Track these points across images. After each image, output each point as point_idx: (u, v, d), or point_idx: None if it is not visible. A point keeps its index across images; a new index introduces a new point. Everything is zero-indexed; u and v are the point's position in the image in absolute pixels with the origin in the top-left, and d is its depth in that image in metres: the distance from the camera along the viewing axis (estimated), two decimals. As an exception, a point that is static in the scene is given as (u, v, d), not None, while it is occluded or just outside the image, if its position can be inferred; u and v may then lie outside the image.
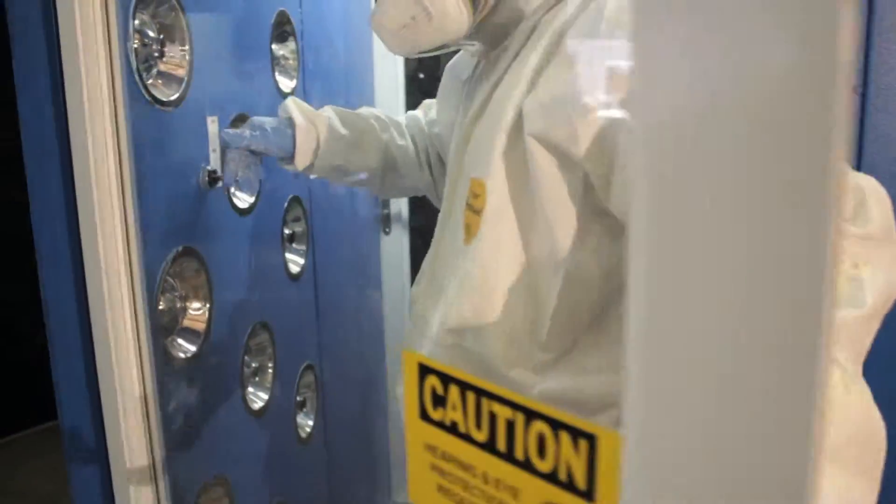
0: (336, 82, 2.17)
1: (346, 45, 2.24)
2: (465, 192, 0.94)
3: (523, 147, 0.86)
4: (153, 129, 1.26)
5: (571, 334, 0.90)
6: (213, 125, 1.44)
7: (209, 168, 1.41)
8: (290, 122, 1.27)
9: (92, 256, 1.17)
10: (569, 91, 0.81)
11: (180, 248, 1.34)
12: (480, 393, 0.45)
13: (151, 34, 1.27)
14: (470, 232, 0.92)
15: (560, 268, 0.86)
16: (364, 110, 1.38)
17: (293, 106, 1.29)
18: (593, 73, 0.80)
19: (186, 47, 1.34)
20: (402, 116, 1.43)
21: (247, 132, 1.27)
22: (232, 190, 1.59)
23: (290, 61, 1.88)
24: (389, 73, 2.56)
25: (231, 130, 1.29)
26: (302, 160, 1.27)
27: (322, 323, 2.07)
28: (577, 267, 0.86)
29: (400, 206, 2.66)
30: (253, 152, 1.31)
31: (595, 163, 0.81)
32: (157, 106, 1.25)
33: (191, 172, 1.37)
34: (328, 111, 1.32)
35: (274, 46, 1.80)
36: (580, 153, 0.80)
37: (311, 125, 1.26)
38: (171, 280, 1.35)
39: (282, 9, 1.78)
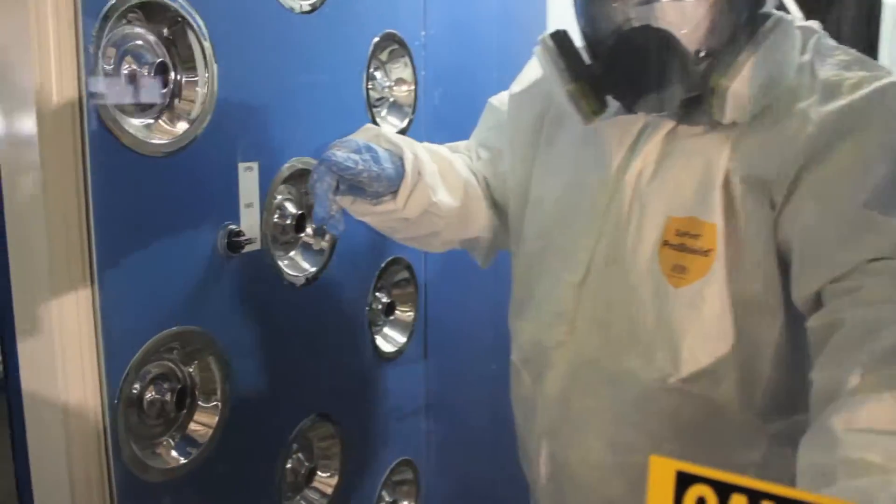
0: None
1: (498, 78, 1.89)
2: (656, 231, 0.94)
3: (729, 188, 0.90)
4: (128, 178, 0.98)
5: (794, 372, 0.92)
6: (250, 173, 1.15)
7: (235, 228, 1.11)
8: (394, 151, 1.04)
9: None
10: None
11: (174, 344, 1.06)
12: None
13: (147, 55, 1.00)
14: (687, 273, 0.92)
15: (777, 309, 0.91)
16: (435, 146, 1.16)
17: (384, 131, 1.07)
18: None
19: (203, 75, 1.06)
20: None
21: (355, 156, 0.97)
22: (308, 231, 1.30)
23: (404, 94, 1.56)
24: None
25: (339, 152, 0.97)
26: (404, 196, 1.02)
27: (434, 406, 1.71)
28: (791, 308, 0.88)
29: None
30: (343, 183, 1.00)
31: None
32: (136, 151, 0.97)
33: (202, 237, 1.08)
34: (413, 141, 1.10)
35: (377, 75, 1.48)
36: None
37: (413, 154, 1.04)
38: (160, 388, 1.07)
39: (390, 30, 1.46)
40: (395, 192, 1.01)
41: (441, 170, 1.09)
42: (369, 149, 0.99)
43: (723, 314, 0.90)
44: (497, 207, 1.20)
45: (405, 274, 1.61)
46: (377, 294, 1.55)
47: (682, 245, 0.91)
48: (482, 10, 1.78)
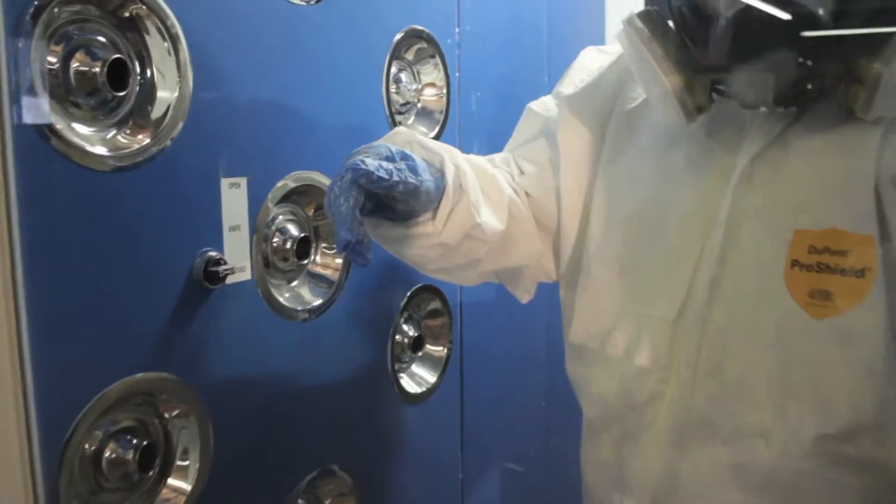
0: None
1: (549, 83, 1.68)
2: (781, 249, 0.77)
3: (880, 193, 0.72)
4: (71, 197, 0.81)
5: None
6: (236, 190, 0.97)
7: (215, 255, 0.94)
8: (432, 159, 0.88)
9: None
10: None
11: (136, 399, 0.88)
12: None
13: (101, 51, 0.83)
14: (833, 300, 0.73)
15: None
16: (472, 157, 0.98)
17: (416, 134, 0.90)
18: None
19: (172, 74, 0.89)
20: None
21: (387, 164, 0.79)
22: (315, 259, 1.13)
23: (434, 99, 1.37)
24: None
25: (369, 160, 0.78)
26: (444, 215, 0.85)
27: (473, 454, 1.50)
28: None
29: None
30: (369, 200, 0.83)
31: None
32: (83, 165, 0.81)
33: (172, 267, 0.91)
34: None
35: (403, 77, 1.30)
36: None
37: (454, 164, 0.87)
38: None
39: (414, 25, 1.28)
40: (432, 211, 0.84)
41: (484, 185, 0.92)
42: (405, 156, 0.82)
43: (887, 349, 0.72)
44: (544, 231, 1.03)
45: (436, 303, 1.41)
46: (403, 327, 1.36)
47: (821, 264, 0.75)
48: (528, 4, 1.58)
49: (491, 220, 0.90)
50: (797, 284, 0.76)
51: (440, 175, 0.85)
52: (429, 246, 0.87)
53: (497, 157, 1.08)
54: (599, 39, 1.87)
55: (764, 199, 0.80)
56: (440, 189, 0.84)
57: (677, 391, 0.85)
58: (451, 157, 0.87)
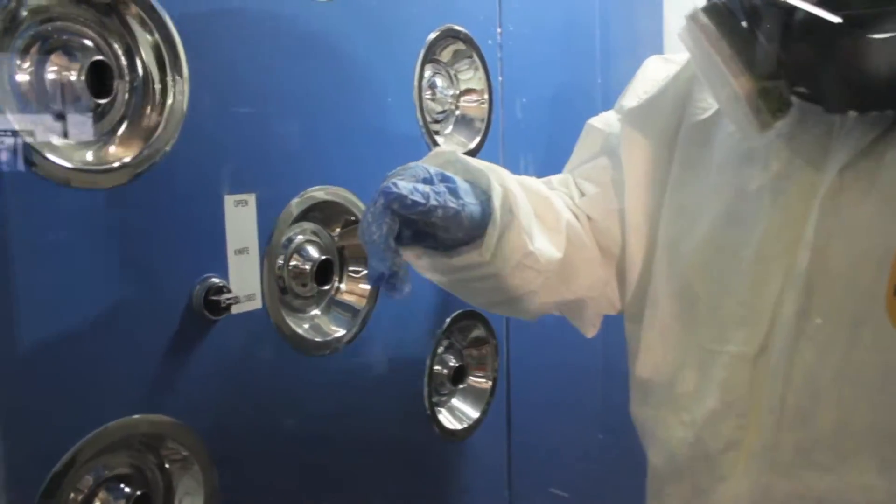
0: (569, 152, 1.47)
1: (603, 86, 1.54)
2: (880, 274, 0.64)
3: None
4: (48, 218, 0.71)
5: None
6: (242, 208, 0.86)
7: (218, 282, 0.83)
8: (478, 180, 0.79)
9: None
10: None
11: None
12: None
13: (81, 53, 0.73)
14: None
15: None
16: (525, 178, 0.89)
17: (459, 154, 0.82)
18: None
19: (165, 79, 0.78)
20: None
21: (424, 187, 0.72)
22: (341, 286, 1.02)
23: (474, 106, 1.25)
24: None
25: (402, 182, 0.71)
26: (491, 242, 0.76)
27: (521, 497, 1.36)
28: None
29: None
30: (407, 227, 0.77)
31: None
32: (62, 183, 0.71)
33: (166, 296, 0.80)
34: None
35: (438, 81, 1.18)
36: None
37: (503, 186, 0.78)
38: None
39: (451, 24, 1.16)
40: (479, 239, 0.76)
41: (538, 209, 0.83)
42: (444, 178, 0.75)
43: None
44: (607, 258, 0.93)
45: (479, 330, 1.28)
46: (443, 357, 1.23)
47: None
48: (577, 1, 1.45)
49: (546, 247, 0.81)
50: None
51: (486, 198, 0.76)
52: (477, 277, 0.80)
53: (555, 178, 0.99)
54: (657, 38, 1.73)
55: (857, 217, 0.68)
56: (486, 214, 0.75)
57: (758, 440, 0.73)
58: (499, 178, 0.78)
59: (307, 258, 0.98)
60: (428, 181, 0.73)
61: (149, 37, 0.77)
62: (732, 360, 0.75)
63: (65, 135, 0.73)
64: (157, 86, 0.78)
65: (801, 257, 0.70)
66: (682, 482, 0.81)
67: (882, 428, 0.66)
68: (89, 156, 0.74)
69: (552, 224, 0.85)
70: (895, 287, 0.64)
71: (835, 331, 0.68)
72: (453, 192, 0.73)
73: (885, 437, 0.66)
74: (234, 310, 0.85)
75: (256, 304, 0.89)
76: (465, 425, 1.24)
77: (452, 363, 1.24)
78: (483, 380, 1.29)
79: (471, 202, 0.74)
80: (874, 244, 0.67)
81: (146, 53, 0.77)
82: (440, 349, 1.22)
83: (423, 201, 0.70)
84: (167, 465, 0.84)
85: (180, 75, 0.79)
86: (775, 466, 0.72)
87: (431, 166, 0.76)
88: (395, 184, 0.69)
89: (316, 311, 1.00)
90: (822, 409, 0.69)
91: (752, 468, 0.74)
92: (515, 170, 1.31)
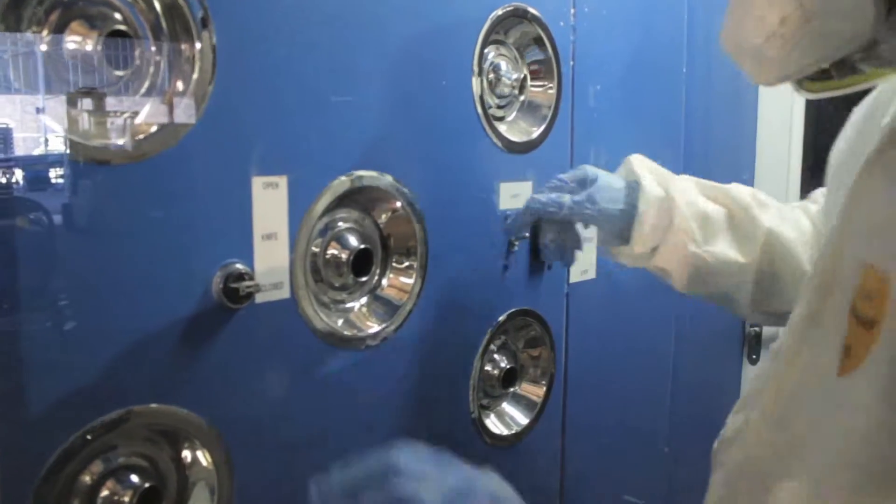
0: (647, 146, 1.36)
1: (689, 74, 1.43)
2: (849, 290, 0.57)
3: None
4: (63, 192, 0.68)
5: None
6: (273, 191, 0.81)
7: (241, 268, 0.78)
8: (634, 187, 0.96)
9: None
10: None
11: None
12: None
13: (101, 21, 0.69)
14: (850, 356, 0.55)
15: None
16: (733, 186, 0.99)
17: (640, 164, 0.98)
18: None
19: (192, 46, 0.74)
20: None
21: (563, 197, 0.96)
22: (384, 282, 0.98)
23: (540, 92, 1.16)
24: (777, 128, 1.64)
25: (543, 196, 0.99)
26: (641, 244, 0.94)
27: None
28: None
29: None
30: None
31: None
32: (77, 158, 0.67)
33: (183, 282, 0.76)
34: (687, 179, 0.99)
35: (502, 64, 1.10)
36: None
37: (665, 196, 0.94)
38: None
39: (517, 3, 1.08)
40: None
41: (730, 214, 0.94)
42: (585, 183, 0.96)
43: (873, 429, 0.52)
44: None
45: (535, 330, 1.20)
46: (495, 357, 1.16)
47: (854, 310, 0.57)
48: (663, -18, 1.34)
49: (723, 250, 0.91)
50: (847, 334, 0.57)
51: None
52: (652, 268, 0.97)
53: (800, 203, 1.02)
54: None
55: (852, 222, 0.61)
56: (631, 216, 0.92)
57: (748, 434, 0.69)
58: (664, 181, 0.94)
59: (346, 246, 0.92)
60: (569, 190, 0.96)
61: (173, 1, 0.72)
62: (766, 357, 0.71)
63: (79, 109, 0.69)
64: (182, 56, 0.73)
65: (819, 266, 0.64)
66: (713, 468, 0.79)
67: (815, 444, 0.59)
68: (105, 131, 0.70)
69: (745, 231, 0.93)
70: (855, 309, 0.55)
71: (811, 342, 0.61)
72: (591, 199, 0.93)
73: (812, 451, 0.59)
74: (259, 299, 0.81)
75: (284, 293, 0.84)
76: (514, 431, 1.17)
77: (504, 364, 1.16)
78: (537, 384, 1.21)
79: (611, 207, 0.93)
80: (854, 253, 0.58)
81: (170, 21, 0.72)
82: (493, 347, 1.14)
83: (557, 210, 0.95)
84: (184, 460, 0.81)
85: (207, 46, 0.74)
86: (751, 462, 0.67)
87: (582, 172, 0.98)
88: (535, 198, 0.98)
89: (352, 304, 0.95)
90: (791, 414, 0.63)
91: (736, 462, 0.69)
92: (585, 162, 1.22)
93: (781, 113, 1.64)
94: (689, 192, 0.95)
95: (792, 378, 0.65)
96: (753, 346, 1.73)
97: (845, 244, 0.62)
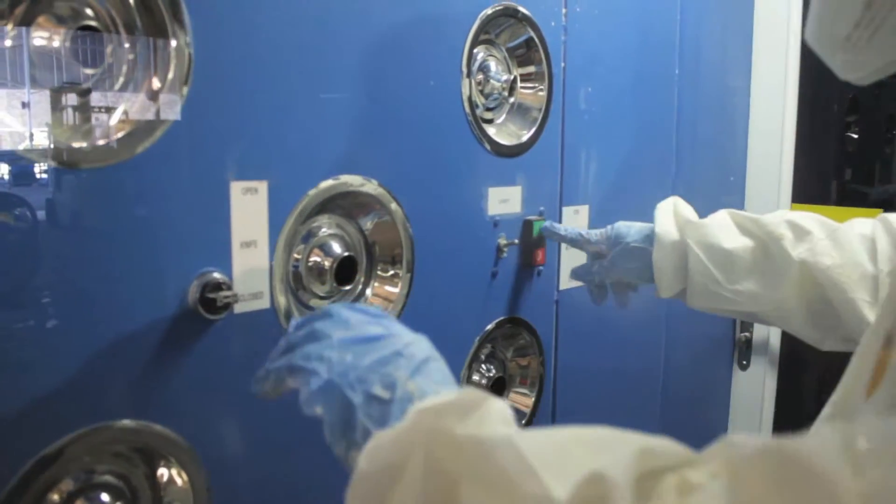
0: (639, 149, 1.33)
1: (681, 78, 1.40)
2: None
3: None
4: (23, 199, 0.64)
5: None
6: (252, 196, 0.78)
7: (218, 277, 0.74)
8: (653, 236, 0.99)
9: None
10: None
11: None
12: None
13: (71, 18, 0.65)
14: (875, 377, 0.52)
15: None
16: (770, 217, 0.95)
17: (664, 212, 0.99)
18: None
19: (170, 43, 0.70)
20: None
21: (595, 266, 1.04)
22: (367, 293, 0.92)
23: (531, 93, 1.13)
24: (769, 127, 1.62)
25: (577, 268, 1.09)
26: (668, 289, 0.98)
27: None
28: None
29: (768, 330, 1.69)
30: None
31: None
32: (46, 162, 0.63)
33: (162, 292, 0.72)
34: (720, 217, 0.97)
35: (491, 65, 1.06)
36: None
37: (678, 241, 0.96)
38: None
39: (508, 2, 1.04)
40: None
41: (762, 247, 0.92)
42: (614, 242, 1.01)
43: None
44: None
45: (524, 338, 1.17)
46: (483, 366, 1.13)
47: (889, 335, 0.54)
48: (656, -18, 1.31)
49: (747, 289, 0.91)
50: (878, 357, 0.54)
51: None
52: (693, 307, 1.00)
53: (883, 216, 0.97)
54: (747, 23, 1.57)
55: None
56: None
57: None
58: (683, 226, 0.96)
59: (329, 254, 0.88)
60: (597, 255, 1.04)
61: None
62: None
63: (46, 110, 0.65)
64: (157, 54, 0.69)
65: None
66: None
67: None
68: (75, 132, 0.66)
69: (772, 266, 0.91)
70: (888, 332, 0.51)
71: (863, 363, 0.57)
72: (613, 263, 1.01)
73: None
74: (238, 309, 0.77)
75: (264, 303, 0.80)
76: (503, 443, 1.13)
77: (493, 373, 1.13)
78: (526, 394, 1.18)
79: (631, 266, 0.99)
80: None
81: (144, 16, 0.68)
82: (481, 356, 1.11)
83: (591, 279, 1.06)
84: (159, 479, 0.77)
85: (183, 43, 0.70)
86: None
87: (599, 235, 1.03)
88: (574, 270, 1.08)
89: (336, 313, 0.91)
90: None
91: None
92: (576, 166, 1.19)
93: (774, 114, 1.62)
94: (715, 228, 0.95)
95: (841, 407, 0.62)
96: (744, 351, 1.70)
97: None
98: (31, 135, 0.63)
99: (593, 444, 0.44)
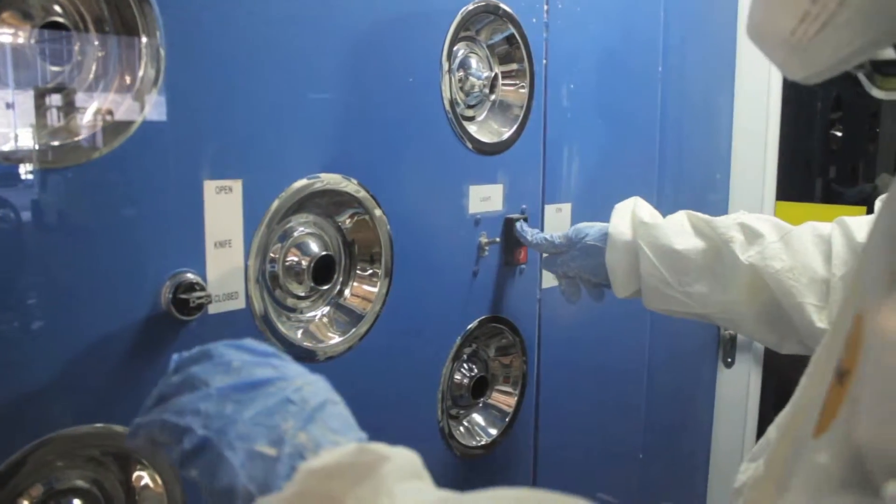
0: (622, 147, 1.33)
1: (666, 75, 1.39)
2: (842, 340, 0.46)
3: None
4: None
5: None
6: (226, 196, 0.76)
7: (192, 278, 0.73)
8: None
9: None
10: None
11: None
12: None
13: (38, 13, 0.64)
14: (824, 414, 0.44)
15: None
16: (723, 218, 0.95)
17: (620, 214, 0.99)
18: None
19: (140, 39, 0.69)
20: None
21: (558, 260, 1.05)
22: (345, 294, 0.91)
23: (512, 91, 1.12)
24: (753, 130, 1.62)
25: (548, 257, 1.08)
26: (622, 289, 0.99)
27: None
28: None
29: (753, 327, 1.68)
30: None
31: None
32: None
33: (134, 293, 0.71)
34: (677, 218, 0.97)
35: (472, 61, 1.05)
36: None
37: (630, 241, 0.96)
38: None
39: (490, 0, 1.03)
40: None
41: (713, 249, 0.92)
42: (574, 243, 1.02)
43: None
44: None
45: (507, 337, 1.16)
46: (465, 365, 1.12)
47: (838, 366, 0.47)
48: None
49: (697, 291, 0.92)
50: (828, 390, 0.48)
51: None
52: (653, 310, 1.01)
53: (813, 224, 0.96)
54: (731, 24, 1.57)
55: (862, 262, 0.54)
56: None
57: (755, 485, 0.64)
58: (637, 227, 0.95)
59: (306, 253, 0.87)
60: (564, 242, 1.03)
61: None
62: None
63: (12, 108, 0.63)
64: (127, 51, 0.68)
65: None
66: None
67: None
68: (43, 130, 0.65)
69: (720, 268, 0.91)
70: (838, 363, 0.45)
71: (813, 386, 0.53)
72: (572, 259, 1.02)
73: None
74: (212, 309, 0.76)
75: (239, 303, 0.79)
76: (485, 442, 1.13)
77: (475, 373, 1.12)
78: (508, 393, 1.17)
79: (587, 263, 1.00)
80: (849, 299, 0.50)
81: (115, 13, 0.67)
82: (463, 356, 1.10)
83: (555, 270, 1.06)
84: (134, 483, 0.75)
85: (156, 40, 0.69)
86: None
87: (573, 232, 1.03)
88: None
89: (313, 314, 0.90)
90: (789, 480, 0.55)
91: None
92: (558, 164, 1.18)
93: (758, 112, 1.62)
94: (668, 230, 0.94)
95: (791, 432, 0.57)
96: (729, 349, 1.70)
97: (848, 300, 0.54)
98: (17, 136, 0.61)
99: None
